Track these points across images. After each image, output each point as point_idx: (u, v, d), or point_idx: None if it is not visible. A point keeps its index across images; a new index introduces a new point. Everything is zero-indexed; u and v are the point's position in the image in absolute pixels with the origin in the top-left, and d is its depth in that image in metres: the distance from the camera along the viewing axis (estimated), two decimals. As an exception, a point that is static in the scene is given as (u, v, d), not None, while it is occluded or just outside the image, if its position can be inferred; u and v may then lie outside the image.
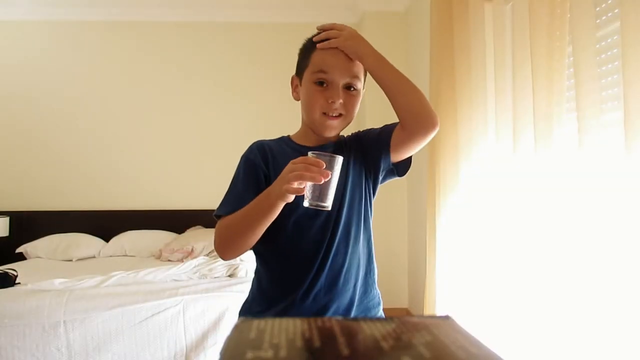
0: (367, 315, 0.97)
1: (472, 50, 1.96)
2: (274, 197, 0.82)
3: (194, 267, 2.44)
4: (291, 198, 0.81)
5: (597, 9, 1.33)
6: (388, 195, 3.35)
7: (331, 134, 0.99)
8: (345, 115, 0.97)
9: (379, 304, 1.04)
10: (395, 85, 0.95)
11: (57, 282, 2.16)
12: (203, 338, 2.10)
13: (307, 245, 0.95)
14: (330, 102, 0.93)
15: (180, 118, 3.71)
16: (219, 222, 0.94)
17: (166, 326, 2.06)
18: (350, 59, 0.94)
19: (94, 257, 3.27)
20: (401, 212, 3.40)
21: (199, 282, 2.28)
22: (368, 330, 0.25)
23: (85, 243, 3.31)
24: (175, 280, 2.31)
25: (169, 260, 3.02)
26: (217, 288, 2.22)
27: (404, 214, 3.40)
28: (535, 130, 1.46)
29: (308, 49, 0.98)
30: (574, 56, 1.28)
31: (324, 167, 0.77)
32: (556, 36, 1.39)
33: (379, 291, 1.05)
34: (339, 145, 1.03)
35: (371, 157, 1.02)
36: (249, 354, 0.22)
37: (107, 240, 3.40)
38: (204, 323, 2.11)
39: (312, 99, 0.95)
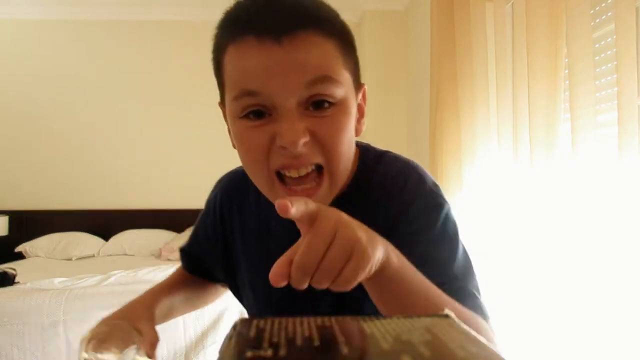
0: None
1: (473, 49, 1.95)
2: None
3: (194, 266, 2.43)
4: None
5: (597, 8, 1.33)
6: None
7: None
8: (331, 171, 0.51)
9: None
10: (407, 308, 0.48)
11: (57, 281, 2.15)
12: (202, 337, 2.09)
13: None
14: (280, 146, 0.49)
15: (180, 117, 3.70)
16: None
17: (165, 325, 2.04)
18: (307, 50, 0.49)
19: (93, 256, 3.26)
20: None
21: (198, 281, 2.27)
22: (368, 329, 0.25)
23: (84, 242, 3.30)
24: (175, 279, 2.31)
25: (169, 260, 3.02)
26: (216, 287, 2.22)
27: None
28: (530, 129, 1.46)
29: (219, 51, 0.57)
30: (569, 57, 1.28)
31: None
32: (553, 37, 1.38)
33: None
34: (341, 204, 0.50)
35: None
36: (249, 353, 0.22)
37: (106, 239, 3.39)
38: (203, 322, 2.11)
39: (246, 147, 0.53)
